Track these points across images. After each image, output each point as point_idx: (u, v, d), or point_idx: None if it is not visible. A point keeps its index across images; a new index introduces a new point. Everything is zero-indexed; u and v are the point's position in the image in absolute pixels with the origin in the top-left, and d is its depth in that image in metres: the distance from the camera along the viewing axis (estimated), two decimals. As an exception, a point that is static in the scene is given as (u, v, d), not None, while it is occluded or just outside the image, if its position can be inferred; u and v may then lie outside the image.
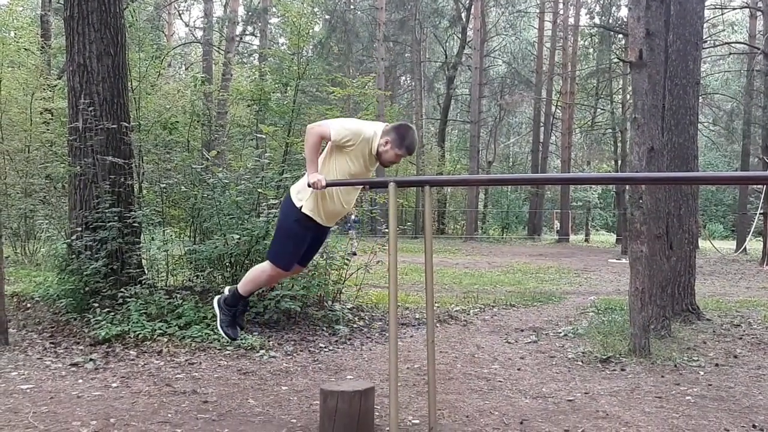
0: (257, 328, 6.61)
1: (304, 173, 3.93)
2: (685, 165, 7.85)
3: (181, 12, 37.97)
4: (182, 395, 4.61)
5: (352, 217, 15.35)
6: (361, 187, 4.09)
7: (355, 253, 12.09)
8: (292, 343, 6.30)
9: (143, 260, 7.40)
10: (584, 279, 13.73)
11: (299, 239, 3.97)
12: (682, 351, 6.24)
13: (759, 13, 24.25)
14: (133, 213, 7.10)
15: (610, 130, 31.36)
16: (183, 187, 7.70)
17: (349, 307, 7.82)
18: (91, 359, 5.42)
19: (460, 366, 5.70)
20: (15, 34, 20.05)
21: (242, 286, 4.14)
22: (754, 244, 22.79)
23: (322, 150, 3.91)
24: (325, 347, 6.26)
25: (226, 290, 4.27)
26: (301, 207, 3.87)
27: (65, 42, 7.54)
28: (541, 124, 34.47)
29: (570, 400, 4.71)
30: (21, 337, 6.20)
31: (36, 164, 13.52)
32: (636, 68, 6.12)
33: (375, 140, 3.78)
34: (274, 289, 6.54)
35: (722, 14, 27.54)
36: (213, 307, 4.30)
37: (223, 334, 4.20)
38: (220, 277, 7.26)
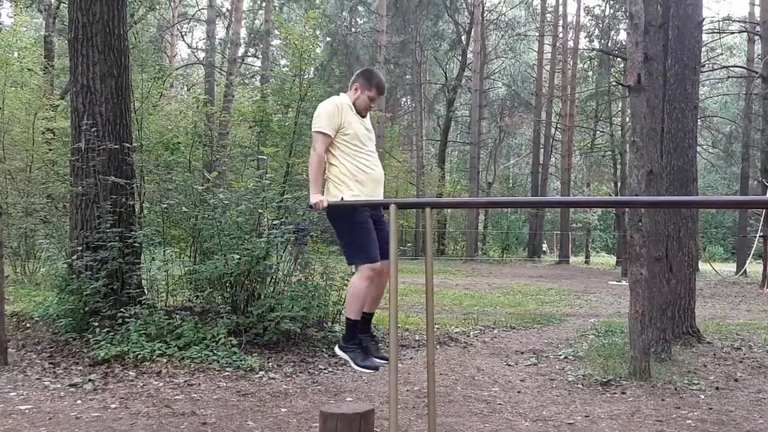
0: (257, 349, 6.59)
1: (306, 194, 3.98)
2: (685, 188, 7.88)
3: (183, 33, 38.31)
4: (181, 417, 4.59)
5: None
6: (374, 140, 4.14)
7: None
8: (292, 364, 6.28)
9: (143, 280, 7.40)
10: (584, 301, 13.70)
11: (364, 227, 3.88)
12: (682, 374, 6.23)
13: (757, 38, 24.42)
14: (133, 233, 7.11)
15: (610, 153, 31.45)
16: (184, 208, 7.73)
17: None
18: (90, 380, 5.40)
19: (460, 388, 5.68)
20: (19, 54, 20.21)
21: (349, 311, 3.97)
22: (754, 267, 22.75)
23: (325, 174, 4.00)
24: (324, 369, 6.25)
25: (338, 350, 4.09)
26: (342, 199, 3.88)
27: (69, 63, 7.61)
28: (541, 146, 34.59)
29: (570, 423, 4.69)
30: (20, 357, 6.18)
31: (37, 184, 13.55)
32: (634, 92, 6.17)
33: (347, 100, 4.00)
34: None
35: (720, 38, 27.78)
36: (339, 356, 4.11)
37: (365, 370, 4.03)
38: (220, 297, 7.25)
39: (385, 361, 3.99)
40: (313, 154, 3.91)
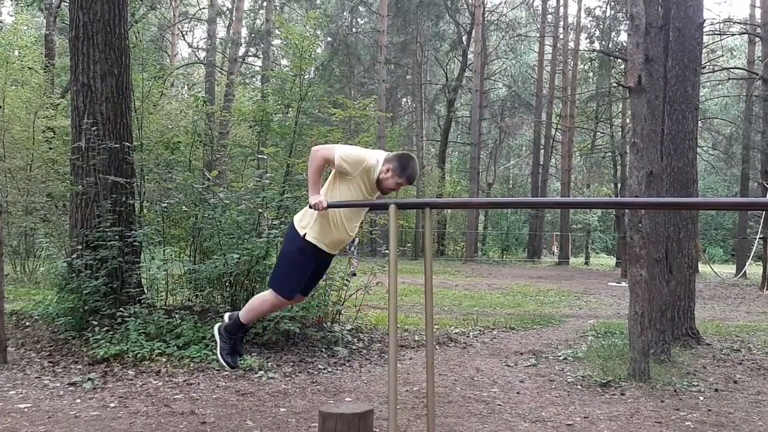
0: (256, 349, 6.59)
1: (306, 194, 3.95)
2: (685, 189, 7.87)
3: (184, 33, 38.32)
4: (180, 416, 4.59)
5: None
6: (365, 213, 4.10)
7: (354, 274, 12.06)
8: (291, 364, 6.28)
9: (143, 279, 7.40)
10: (584, 302, 13.70)
11: (303, 267, 3.95)
12: (681, 376, 6.23)
13: (757, 39, 24.46)
14: (133, 232, 7.11)
15: (610, 154, 31.49)
16: (184, 207, 7.73)
17: (348, 328, 7.80)
18: (89, 379, 5.40)
19: (459, 389, 5.68)
20: (19, 53, 20.24)
21: (244, 315, 4.09)
22: (754, 269, 22.76)
23: (324, 181, 3.93)
24: (323, 369, 6.24)
25: (226, 317, 4.24)
26: (304, 235, 3.86)
27: (70, 62, 7.62)
28: (541, 147, 34.62)
29: (569, 425, 4.69)
30: (19, 356, 6.18)
31: (37, 182, 13.55)
32: (635, 93, 6.17)
33: (377, 168, 3.81)
34: None
35: (721, 40, 27.80)
36: (213, 334, 4.26)
37: (223, 363, 4.15)
38: (219, 296, 7.25)
39: (238, 363, 4.36)
40: (316, 156, 3.76)
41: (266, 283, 7.26)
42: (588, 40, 32.39)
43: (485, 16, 33.30)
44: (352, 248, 16.38)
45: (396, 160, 3.81)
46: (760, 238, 19.28)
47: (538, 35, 35.90)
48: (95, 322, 6.39)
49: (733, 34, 27.74)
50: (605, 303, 13.57)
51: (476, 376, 6.21)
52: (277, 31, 27.42)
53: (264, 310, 4.15)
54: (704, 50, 20.25)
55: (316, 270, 4.09)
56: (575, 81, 33.05)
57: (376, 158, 3.83)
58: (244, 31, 31.24)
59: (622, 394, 5.57)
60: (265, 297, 4.05)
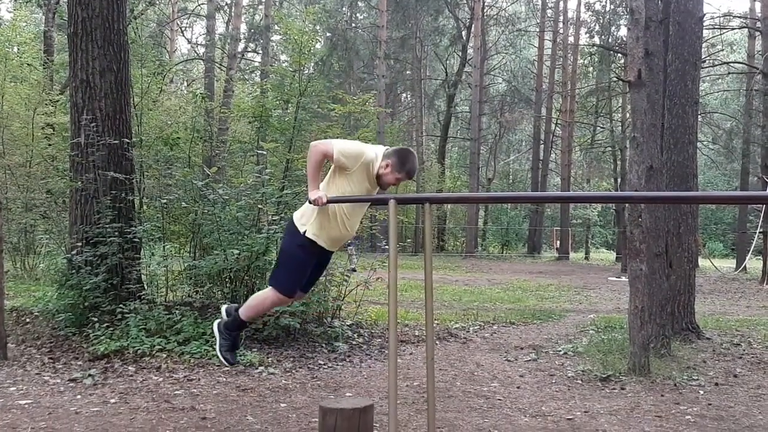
0: (256, 344, 6.59)
1: (305, 189, 3.94)
2: (685, 183, 7.87)
3: (183, 29, 38.27)
4: (181, 412, 4.59)
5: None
6: (365, 209, 4.08)
7: (354, 270, 12.08)
8: (291, 359, 6.28)
9: (143, 275, 7.40)
10: (584, 297, 13.71)
11: (303, 265, 3.93)
12: (681, 370, 6.23)
13: (758, 34, 24.40)
14: (133, 228, 7.10)
15: (610, 148, 31.47)
16: (183, 203, 7.72)
17: (348, 323, 7.80)
18: (89, 375, 5.40)
19: (459, 384, 5.69)
20: (18, 49, 20.20)
21: (244, 312, 4.06)
22: (754, 263, 22.76)
23: (323, 176, 3.91)
24: (324, 364, 6.25)
25: (223, 311, 4.23)
26: (304, 232, 3.83)
27: (68, 58, 7.59)
28: (541, 142, 34.59)
29: (569, 419, 4.69)
30: (20, 352, 6.18)
31: (37, 179, 13.53)
32: (635, 88, 6.16)
33: (376, 163, 3.78)
34: None
35: (721, 34, 27.75)
36: (212, 331, 4.23)
37: (223, 360, 4.13)
38: (219, 292, 7.25)
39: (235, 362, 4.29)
40: (314, 151, 3.74)
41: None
42: (588, 34, 32.36)
43: (484, 10, 33.26)
44: (351, 247, 16.38)
45: (395, 155, 3.78)
46: (760, 232, 19.27)
47: (537, 30, 35.87)
48: (95, 319, 6.39)
49: (733, 28, 27.72)
50: (605, 298, 13.58)
51: (476, 371, 6.21)
52: (276, 27, 27.38)
53: (264, 308, 4.12)
54: (704, 44, 20.21)
55: (316, 267, 4.07)
56: (575, 76, 33.00)
57: (374, 153, 3.81)
58: (243, 27, 31.19)
59: (622, 389, 5.58)
60: (265, 294, 4.03)
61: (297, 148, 10.04)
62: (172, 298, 7.65)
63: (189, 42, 39.95)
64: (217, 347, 4.13)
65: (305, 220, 3.87)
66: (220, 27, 33.77)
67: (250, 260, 6.92)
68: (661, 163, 6.78)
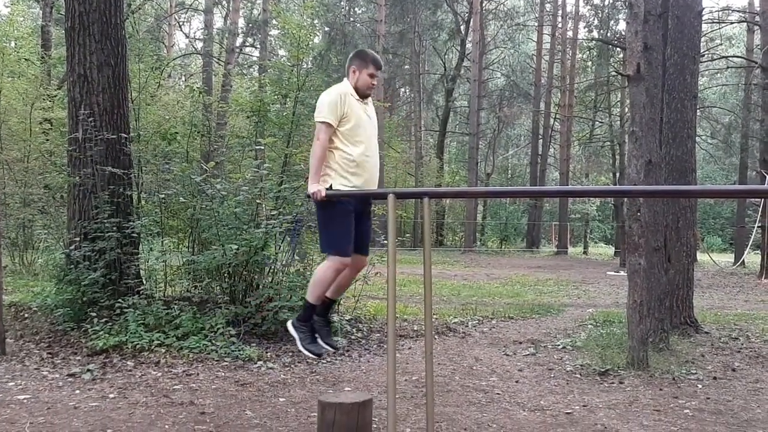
0: (255, 339, 6.60)
1: (304, 184, 3.93)
2: (683, 178, 7.87)
3: (181, 23, 38.18)
4: (179, 406, 4.59)
5: None
6: (371, 129, 4.03)
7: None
8: (290, 354, 6.29)
9: (141, 270, 7.40)
10: (583, 291, 13.72)
11: (344, 219, 3.87)
12: (680, 364, 6.24)
13: (756, 28, 24.34)
14: (131, 223, 7.10)
15: (609, 143, 31.45)
16: (182, 198, 7.70)
17: (347, 318, 7.81)
18: (88, 370, 5.40)
19: (458, 378, 5.69)
20: (15, 44, 20.11)
21: (310, 294, 3.98)
22: (752, 258, 22.77)
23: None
24: (322, 359, 6.25)
25: (289, 325, 4.13)
26: (330, 186, 3.86)
27: (66, 52, 7.57)
28: (540, 137, 34.54)
29: (568, 413, 4.70)
30: (18, 348, 6.18)
31: (35, 174, 13.51)
32: (634, 82, 6.15)
33: (348, 86, 3.97)
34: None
35: (720, 28, 27.72)
36: (289, 331, 4.10)
37: (308, 354, 4.01)
38: (218, 287, 7.24)
39: (332, 349, 4.19)
40: (316, 144, 3.85)
41: (266, 274, 7.30)
42: (586, 28, 32.29)
43: (483, 5, 33.15)
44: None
45: (353, 60, 4.02)
46: (758, 226, 19.28)
47: (536, 24, 35.76)
48: (94, 314, 6.39)
49: (731, 23, 27.67)
50: (604, 292, 13.59)
51: (475, 366, 6.22)
52: (274, 21, 27.27)
53: (328, 279, 3.94)
54: (703, 38, 20.20)
55: (359, 222, 3.98)
56: (574, 70, 32.93)
57: (339, 88, 3.95)
58: (241, 22, 31.13)
59: (621, 383, 5.59)
60: (324, 266, 3.95)
61: (295, 142, 10.01)
62: (171, 293, 7.65)
63: (187, 36, 39.89)
64: (299, 344, 4.01)
65: (326, 179, 3.90)
66: (218, 21, 33.69)
67: (249, 255, 6.91)
68: (660, 158, 6.78)
